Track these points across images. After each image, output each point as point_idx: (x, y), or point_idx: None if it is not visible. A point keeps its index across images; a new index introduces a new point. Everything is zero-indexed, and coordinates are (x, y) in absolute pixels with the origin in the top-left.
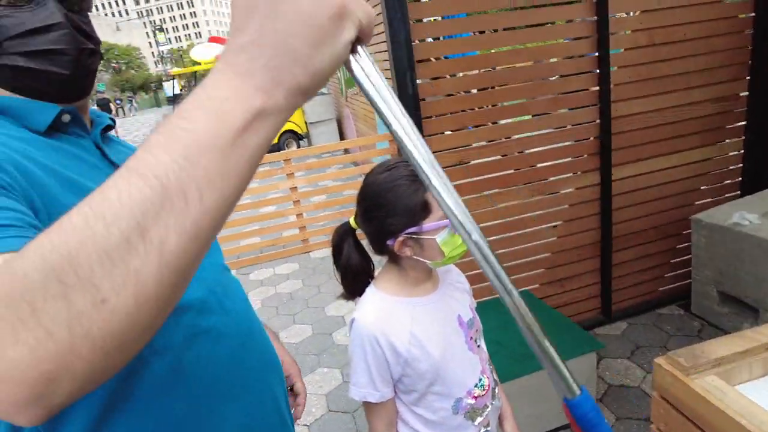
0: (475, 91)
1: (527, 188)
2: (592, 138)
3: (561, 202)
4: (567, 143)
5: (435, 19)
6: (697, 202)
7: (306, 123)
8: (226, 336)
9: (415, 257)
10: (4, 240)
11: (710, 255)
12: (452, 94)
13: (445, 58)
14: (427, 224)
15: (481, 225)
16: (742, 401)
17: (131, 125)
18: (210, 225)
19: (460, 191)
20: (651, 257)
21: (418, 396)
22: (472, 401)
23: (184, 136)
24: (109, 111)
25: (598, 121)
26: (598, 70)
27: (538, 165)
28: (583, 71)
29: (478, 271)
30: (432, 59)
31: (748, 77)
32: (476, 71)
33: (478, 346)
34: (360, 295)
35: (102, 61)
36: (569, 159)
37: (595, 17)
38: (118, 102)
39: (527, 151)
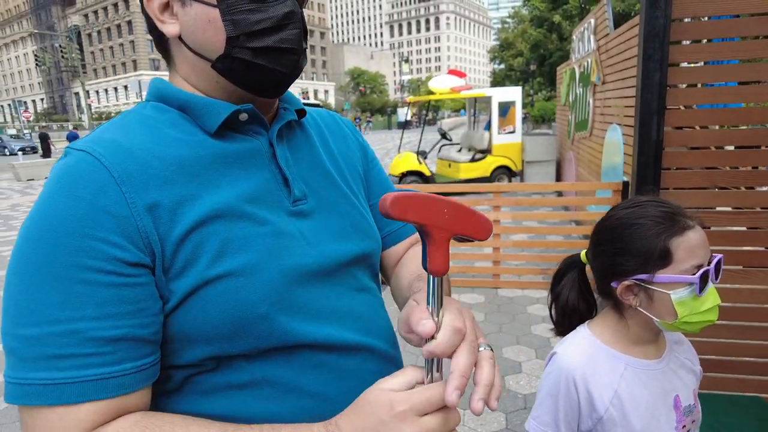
0: (731, 147)
1: None
2: None
3: None
4: None
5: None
6: None
7: (523, 161)
8: (341, 370)
9: (639, 309)
10: (110, 381)
11: None
12: (700, 148)
13: (698, 107)
14: (663, 275)
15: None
16: None
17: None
18: None
19: None
20: None
21: None
22: None
23: None
24: None
25: None
26: None
27: None
28: None
29: (709, 356)
30: (681, 107)
31: None
32: (744, 126)
33: None
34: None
35: (352, 84)
36: None
37: None
38: (357, 120)
39: None
